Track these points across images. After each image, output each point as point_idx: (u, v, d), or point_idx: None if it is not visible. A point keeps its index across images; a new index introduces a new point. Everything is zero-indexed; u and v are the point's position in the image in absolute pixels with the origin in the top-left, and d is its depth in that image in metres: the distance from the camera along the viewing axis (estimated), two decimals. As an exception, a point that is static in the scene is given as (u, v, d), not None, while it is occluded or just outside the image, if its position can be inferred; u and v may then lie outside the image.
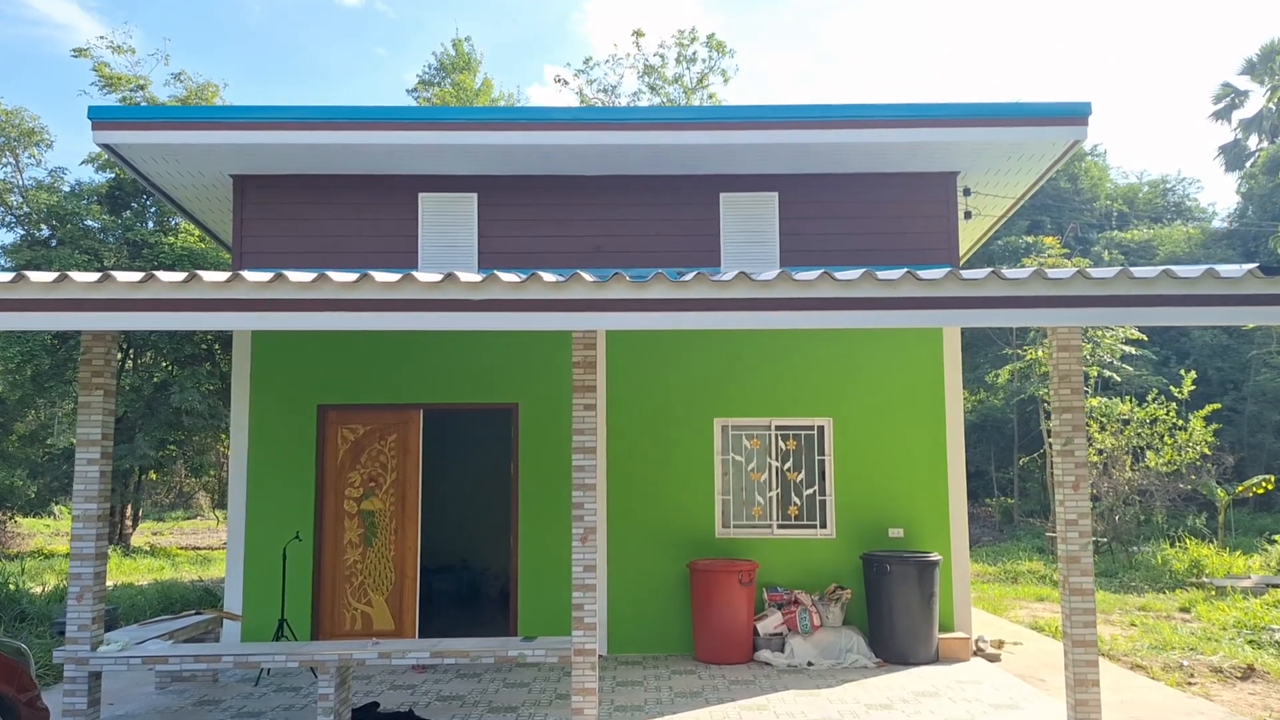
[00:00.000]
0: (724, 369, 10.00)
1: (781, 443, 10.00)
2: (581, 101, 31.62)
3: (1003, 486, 27.20)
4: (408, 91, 32.25)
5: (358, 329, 6.03)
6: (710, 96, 31.70)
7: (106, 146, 9.52)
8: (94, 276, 5.95)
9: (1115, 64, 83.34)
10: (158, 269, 15.25)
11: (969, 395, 26.98)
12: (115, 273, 5.97)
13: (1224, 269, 5.97)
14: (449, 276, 5.97)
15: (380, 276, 5.94)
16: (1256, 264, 5.98)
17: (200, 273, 5.93)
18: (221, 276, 5.90)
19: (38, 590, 12.98)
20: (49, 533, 24.90)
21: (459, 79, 30.31)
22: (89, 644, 6.70)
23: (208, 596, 12.78)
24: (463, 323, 6.07)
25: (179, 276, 5.91)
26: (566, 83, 32.50)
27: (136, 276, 5.94)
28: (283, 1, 70.68)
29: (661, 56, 32.01)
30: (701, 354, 10.00)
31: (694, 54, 31.90)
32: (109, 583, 15.36)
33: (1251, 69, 35.92)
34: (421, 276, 5.96)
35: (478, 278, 6.02)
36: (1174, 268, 6.02)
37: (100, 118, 9.42)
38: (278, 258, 9.93)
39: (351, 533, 9.57)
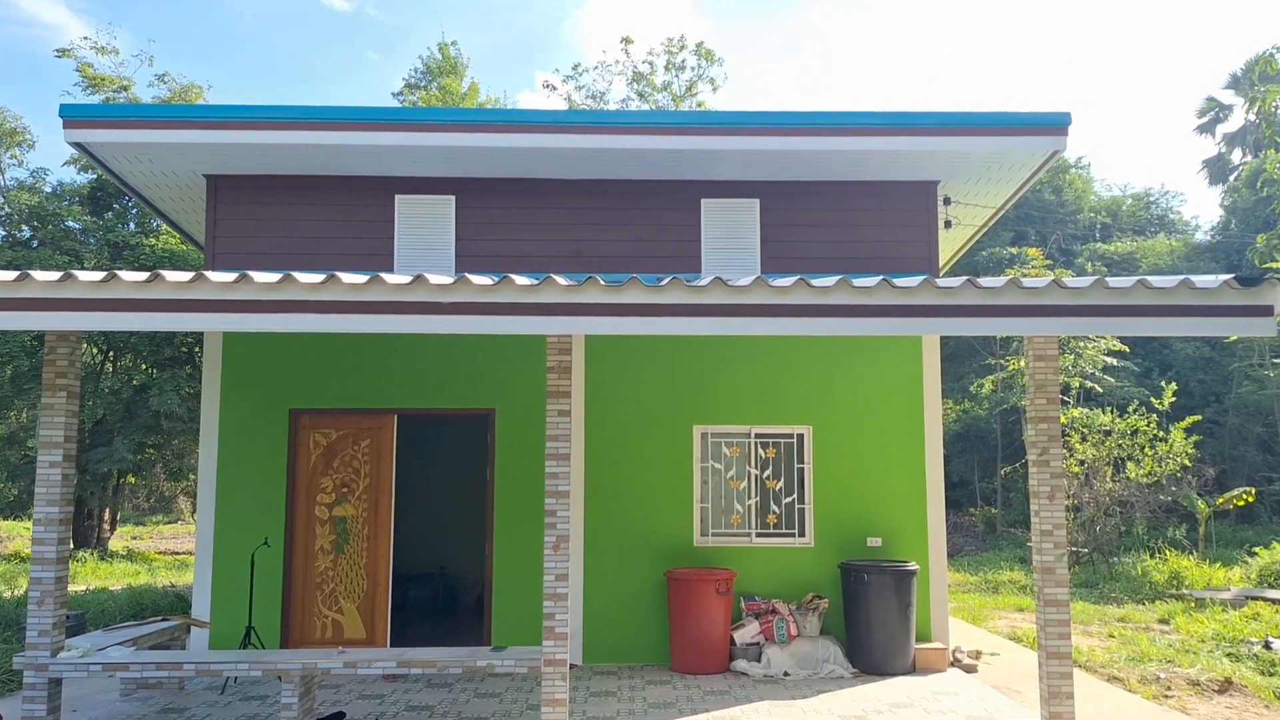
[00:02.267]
0: (704, 376, 9.93)
1: (761, 450, 9.94)
2: (569, 107, 31.60)
3: (986, 496, 27.21)
4: (393, 95, 32.17)
5: (325, 331, 5.94)
6: (699, 104, 31.74)
7: (78, 145, 9.38)
8: (55, 275, 5.85)
9: (1100, 76, 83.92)
10: (140, 270, 15.11)
11: (953, 405, 27.02)
12: (77, 272, 5.87)
13: (1200, 279, 5.94)
14: (418, 278, 5.89)
15: (347, 278, 5.85)
16: (1233, 275, 5.95)
17: (164, 273, 5.83)
18: (185, 276, 5.80)
19: (9, 594, 12.82)
20: (29, 536, 24.64)
21: (445, 83, 30.24)
22: (49, 650, 6.59)
23: (180, 602, 12.62)
24: (433, 325, 5.98)
25: (141, 276, 5.81)
26: (555, 88, 32.51)
27: (99, 276, 5.84)
28: (273, 6, 70.53)
29: (650, 64, 32.05)
30: (682, 361, 9.93)
31: (683, 61, 31.94)
32: (82, 587, 15.18)
33: (1235, 83, 36.11)
34: (390, 278, 5.88)
35: (448, 280, 5.94)
36: (1150, 278, 5.99)
37: (72, 116, 9.28)
38: (251, 259, 9.81)
39: (323, 539, 9.44)
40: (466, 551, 13.54)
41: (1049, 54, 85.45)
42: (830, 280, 6.08)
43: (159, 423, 18.81)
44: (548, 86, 32.84)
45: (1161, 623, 12.43)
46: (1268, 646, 10.13)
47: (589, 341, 9.86)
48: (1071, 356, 20.71)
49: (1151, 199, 39.90)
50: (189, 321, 5.88)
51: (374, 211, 10.21)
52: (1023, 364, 21.27)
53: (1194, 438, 18.08)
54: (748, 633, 9.21)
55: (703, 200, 10.40)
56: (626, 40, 31.76)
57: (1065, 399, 22.00)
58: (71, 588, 15.23)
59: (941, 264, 12.30)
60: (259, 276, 5.81)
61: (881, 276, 6.08)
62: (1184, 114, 77.47)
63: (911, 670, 9.11)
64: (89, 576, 16.92)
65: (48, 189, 20.35)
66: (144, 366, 19.92)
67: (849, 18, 79.19)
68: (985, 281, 6.03)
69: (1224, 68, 72.50)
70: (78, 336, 6.76)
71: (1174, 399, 18.68)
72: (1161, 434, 17.87)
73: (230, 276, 5.83)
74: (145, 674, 6.74)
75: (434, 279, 5.92)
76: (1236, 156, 36.77)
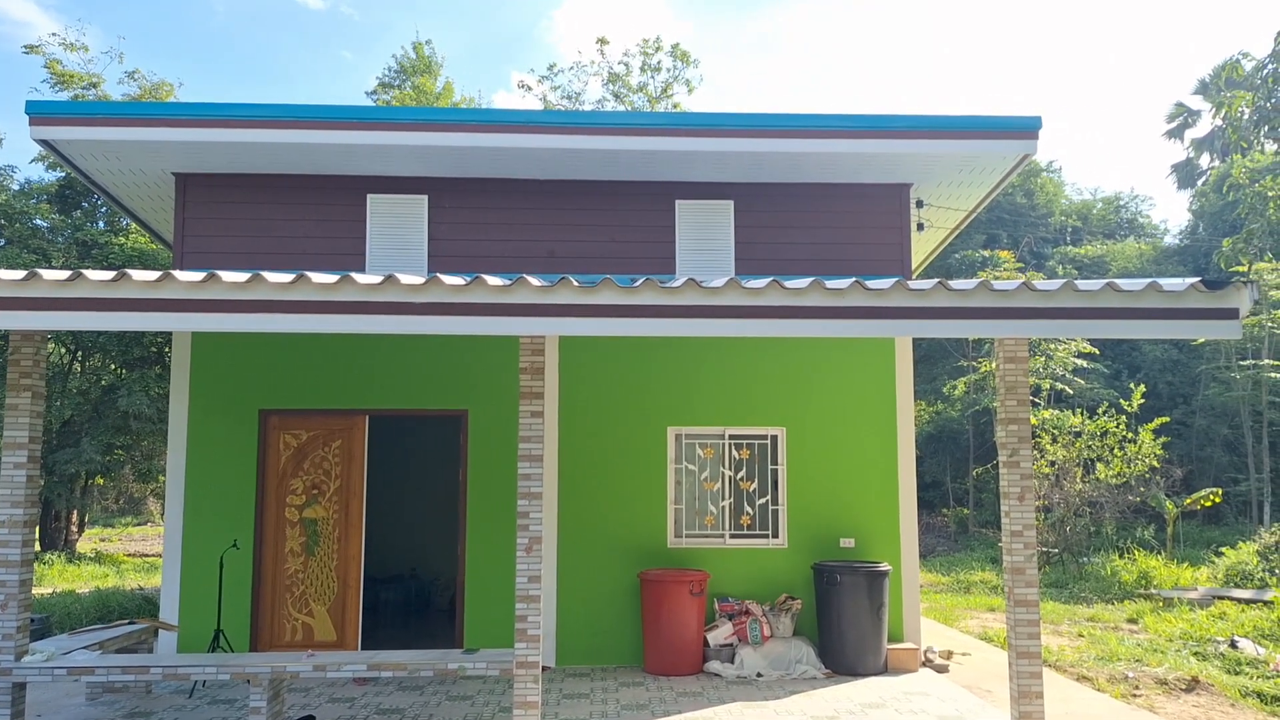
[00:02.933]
0: (678, 378, 9.92)
1: (735, 452, 9.94)
2: (545, 107, 31.52)
3: (958, 497, 27.39)
4: (367, 94, 32.00)
5: (295, 331, 5.89)
6: (675, 105, 31.74)
7: (44, 142, 9.23)
8: (19, 274, 5.77)
9: (1071, 81, 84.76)
10: (107, 270, 14.91)
11: (926, 407, 27.19)
12: (42, 270, 5.79)
13: (1167, 282, 6.00)
14: (389, 278, 5.84)
15: (317, 277, 5.80)
16: (1200, 278, 6.02)
17: (131, 272, 5.76)
18: (152, 276, 5.73)
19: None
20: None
21: (419, 82, 30.09)
22: (13, 654, 6.48)
23: (147, 605, 12.47)
24: (404, 326, 5.94)
25: (108, 275, 5.73)
26: (530, 89, 32.42)
27: (64, 275, 5.76)
28: (246, 4, 69.95)
29: (626, 65, 32.02)
30: (656, 362, 9.92)
31: (658, 63, 31.93)
32: (48, 590, 14.97)
33: (1204, 89, 36.65)
34: (360, 278, 5.83)
35: (420, 280, 5.90)
36: (1118, 280, 6.04)
37: (38, 113, 9.15)
38: (221, 258, 9.71)
39: (293, 541, 9.35)
40: (438, 553, 13.49)
41: (1020, 59, 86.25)
42: (803, 282, 6.09)
43: (128, 423, 18.56)
44: (523, 87, 32.78)
45: (1130, 622, 12.56)
46: (1234, 645, 10.26)
47: (562, 342, 9.83)
48: (1042, 359, 20.89)
49: (1121, 203, 40.36)
50: (156, 321, 5.81)
51: (346, 211, 10.13)
52: (994, 366, 21.49)
53: (1162, 439, 18.29)
54: (721, 634, 9.21)
55: (677, 201, 10.40)
56: (602, 41, 31.74)
57: (1036, 401, 22.18)
58: (38, 590, 15.01)
59: (914, 266, 12.37)
60: (227, 276, 5.75)
61: (854, 278, 6.10)
62: (1154, 119, 78.41)
63: (884, 670, 9.15)
64: (56, 579, 16.68)
65: (15, 186, 20.04)
66: (112, 366, 19.65)
67: (825, 22, 79.59)
68: (957, 284, 6.07)
69: (1193, 74, 73.50)
70: (43, 336, 6.66)
71: (1143, 401, 18.89)
72: (1130, 435, 18.07)
73: (198, 276, 5.76)
74: (111, 678, 6.64)
75: (405, 279, 5.88)
76: (1204, 161, 37.34)
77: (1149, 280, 5.99)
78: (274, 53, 75.38)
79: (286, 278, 5.76)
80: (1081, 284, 6.03)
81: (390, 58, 46.87)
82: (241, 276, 5.75)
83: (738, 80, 73.28)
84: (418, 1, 66.56)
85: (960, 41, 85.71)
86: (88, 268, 17.30)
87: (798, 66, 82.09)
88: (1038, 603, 6.55)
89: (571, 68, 35.02)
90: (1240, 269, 20.19)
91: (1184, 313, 6.04)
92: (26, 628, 6.65)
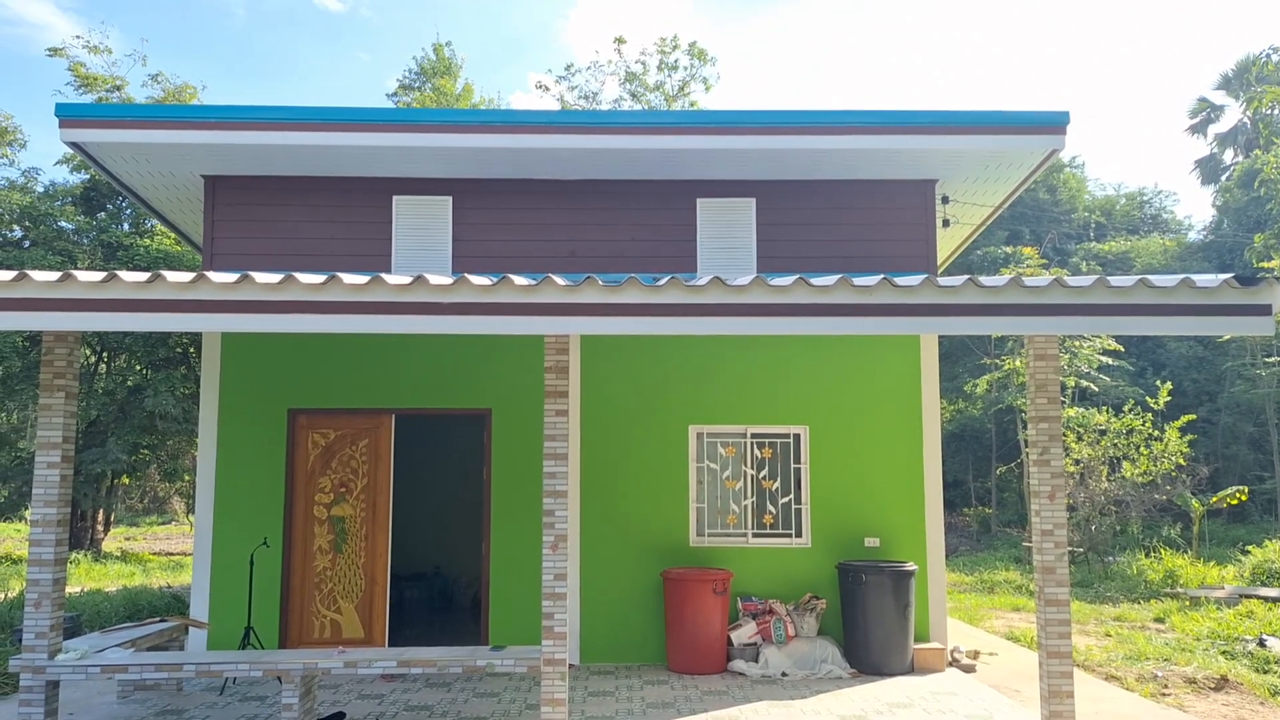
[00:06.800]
0: (700, 376, 9.92)
1: (757, 450, 9.93)
2: (562, 108, 31.56)
3: (980, 496, 27.25)
4: (388, 96, 32.12)
5: (325, 331, 5.93)
6: (692, 104, 31.72)
7: (74, 145, 9.34)
8: (54, 275, 5.83)
9: (1094, 77, 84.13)
10: (135, 271, 15.03)
11: (947, 405, 27.06)
12: (77, 272, 5.85)
13: (1200, 278, 5.96)
14: (418, 279, 5.87)
15: (348, 278, 5.84)
16: (1232, 274, 5.97)
17: (165, 273, 5.81)
18: (186, 277, 5.78)
19: (1, 597, 12.76)
20: (19, 538, 24.54)
21: (439, 84, 30.19)
22: (46, 652, 6.54)
23: (176, 603, 12.58)
24: (433, 326, 5.97)
25: (142, 276, 5.79)
26: (548, 89, 32.47)
27: (98, 276, 5.82)
28: (265, 6, 70.37)
29: (643, 64, 32.02)
30: (677, 361, 9.92)
31: (675, 61, 31.91)
32: (76, 589, 15.12)
33: (1227, 84, 36.26)
34: (390, 279, 5.86)
35: (448, 280, 5.93)
36: (1151, 277, 5.99)
37: (68, 115, 9.24)
38: (249, 260, 9.78)
39: (321, 539, 9.42)
40: (463, 551, 13.53)
41: (1041, 54, 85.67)
42: (830, 279, 6.07)
43: (153, 423, 18.74)
44: (540, 87, 32.85)
45: (1157, 621, 12.47)
46: (1262, 644, 10.17)
47: (584, 342, 9.85)
48: (1067, 356, 20.75)
49: (1145, 198, 40.01)
50: (190, 322, 5.86)
51: (371, 212, 10.19)
52: (1017, 363, 21.36)
53: (1188, 437, 18.14)
54: (745, 633, 9.20)
55: (698, 200, 10.39)
56: (619, 40, 31.73)
57: (1061, 399, 22.02)
58: (66, 589, 15.16)
59: (939, 263, 12.31)
60: (260, 277, 5.79)
61: (882, 275, 6.08)
62: (1176, 114, 77.74)
63: (910, 670, 9.12)
64: (83, 578, 16.84)
65: (40, 189, 20.25)
66: (138, 367, 19.84)
67: (843, 17, 79.31)
68: (987, 280, 6.03)
69: (1214, 68, 72.77)
70: (76, 337, 6.73)
71: (1168, 398, 18.74)
72: (1156, 433, 17.92)
73: (232, 277, 5.81)
74: (144, 675, 6.70)
75: (434, 279, 5.91)
76: (1228, 157, 36.92)
77: (1181, 276, 5.95)
78: (292, 54, 75.83)
79: (319, 279, 5.80)
80: (1114, 280, 5.99)
81: (410, 59, 47.04)
82: (274, 278, 5.79)
83: (755, 77, 73.15)
84: (435, 3, 66.82)
85: (979, 37, 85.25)
86: (113, 269, 17.47)
87: (816, 62, 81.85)
88: (1069, 602, 6.51)
89: (588, 67, 35.04)
90: (1270, 265, 20.00)
91: (1216, 309, 5.99)
92: (60, 626, 6.72)
